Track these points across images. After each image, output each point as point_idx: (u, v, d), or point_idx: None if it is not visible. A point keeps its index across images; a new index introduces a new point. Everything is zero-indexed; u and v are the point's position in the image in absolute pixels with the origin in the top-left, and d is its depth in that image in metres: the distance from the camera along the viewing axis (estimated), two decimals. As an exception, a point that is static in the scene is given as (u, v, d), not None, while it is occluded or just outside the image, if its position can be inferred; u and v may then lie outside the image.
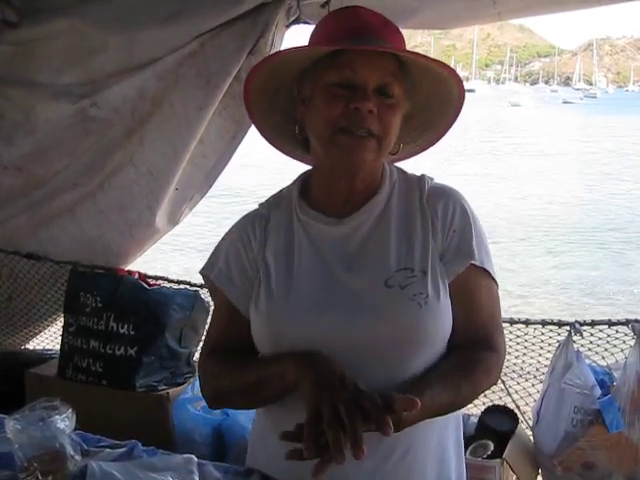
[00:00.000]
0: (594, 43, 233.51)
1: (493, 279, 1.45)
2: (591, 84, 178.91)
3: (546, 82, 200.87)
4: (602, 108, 75.64)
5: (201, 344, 3.28)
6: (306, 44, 1.46)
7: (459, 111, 1.47)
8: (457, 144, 27.45)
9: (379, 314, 1.33)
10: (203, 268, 1.55)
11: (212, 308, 1.60)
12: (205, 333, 1.67)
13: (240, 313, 1.47)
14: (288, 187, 1.55)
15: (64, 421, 1.68)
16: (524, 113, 63.50)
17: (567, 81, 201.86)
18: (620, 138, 38.79)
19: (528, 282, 10.60)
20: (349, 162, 1.36)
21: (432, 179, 1.49)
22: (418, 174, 1.51)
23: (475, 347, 1.38)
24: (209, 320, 1.64)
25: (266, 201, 1.55)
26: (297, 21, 2.77)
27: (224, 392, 1.47)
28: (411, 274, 1.35)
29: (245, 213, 1.56)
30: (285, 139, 1.55)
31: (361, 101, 1.31)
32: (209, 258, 1.55)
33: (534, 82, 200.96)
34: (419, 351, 1.35)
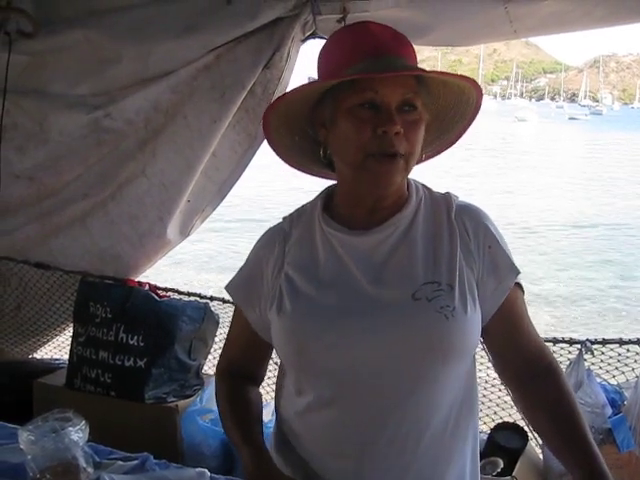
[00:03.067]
0: (600, 60, 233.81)
1: (522, 290, 1.47)
2: (597, 101, 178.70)
3: (552, 98, 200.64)
4: (608, 125, 75.68)
5: (210, 356, 3.31)
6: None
7: (475, 115, 1.47)
8: (463, 158, 27.49)
9: (406, 326, 1.33)
10: (228, 285, 1.58)
11: (233, 313, 1.61)
12: (225, 341, 1.66)
13: (259, 336, 1.50)
14: (311, 202, 1.54)
15: (77, 433, 1.68)
16: (530, 128, 63.56)
17: (573, 97, 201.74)
18: (626, 155, 38.83)
19: (533, 298, 10.58)
20: (379, 186, 1.37)
21: (457, 197, 1.49)
22: (442, 191, 1.51)
23: (545, 369, 1.45)
24: (228, 328, 1.65)
25: (289, 215, 1.55)
26: (313, 36, 2.79)
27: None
28: (438, 287, 1.35)
29: (268, 227, 1.56)
30: (304, 158, 1.55)
31: (388, 124, 1.30)
32: (235, 276, 1.57)
33: (540, 98, 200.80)
34: (446, 363, 1.35)
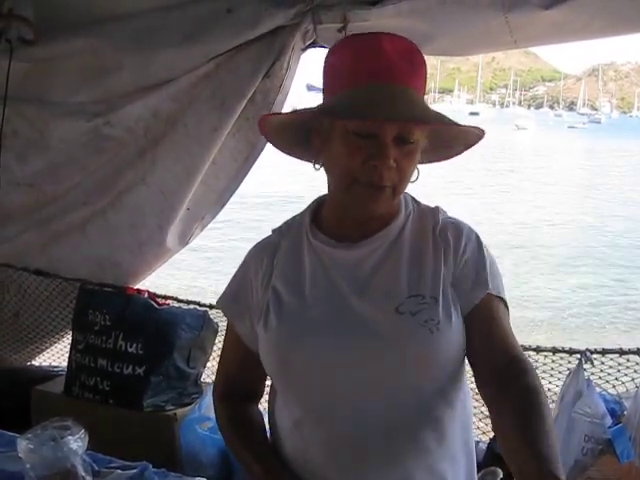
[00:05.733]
0: (599, 68, 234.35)
1: (507, 308, 1.44)
2: (595, 109, 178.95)
3: (550, 107, 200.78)
4: (606, 133, 75.82)
5: (209, 364, 3.31)
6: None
7: (474, 143, 1.46)
8: (461, 166, 27.52)
9: (390, 340, 1.32)
10: (219, 300, 1.58)
11: (225, 331, 1.60)
12: (219, 359, 1.65)
13: (252, 352, 1.48)
14: (301, 213, 1.54)
15: (77, 442, 1.68)
16: (529, 137, 63.69)
17: (571, 106, 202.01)
18: (625, 163, 38.91)
19: (530, 306, 10.58)
20: (363, 210, 1.37)
21: (445, 212, 1.49)
22: (432, 205, 1.50)
23: (514, 372, 1.30)
24: (222, 343, 1.64)
25: (278, 227, 1.55)
26: (313, 45, 2.79)
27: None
28: (422, 300, 1.34)
29: (257, 241, 1.56)
30: (298, 151, 1.50)
31: (380, 159, 1.29)
32: (225, 289, 1.56)
33: (538, 106, 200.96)
34: (429, 376, 1.35)
